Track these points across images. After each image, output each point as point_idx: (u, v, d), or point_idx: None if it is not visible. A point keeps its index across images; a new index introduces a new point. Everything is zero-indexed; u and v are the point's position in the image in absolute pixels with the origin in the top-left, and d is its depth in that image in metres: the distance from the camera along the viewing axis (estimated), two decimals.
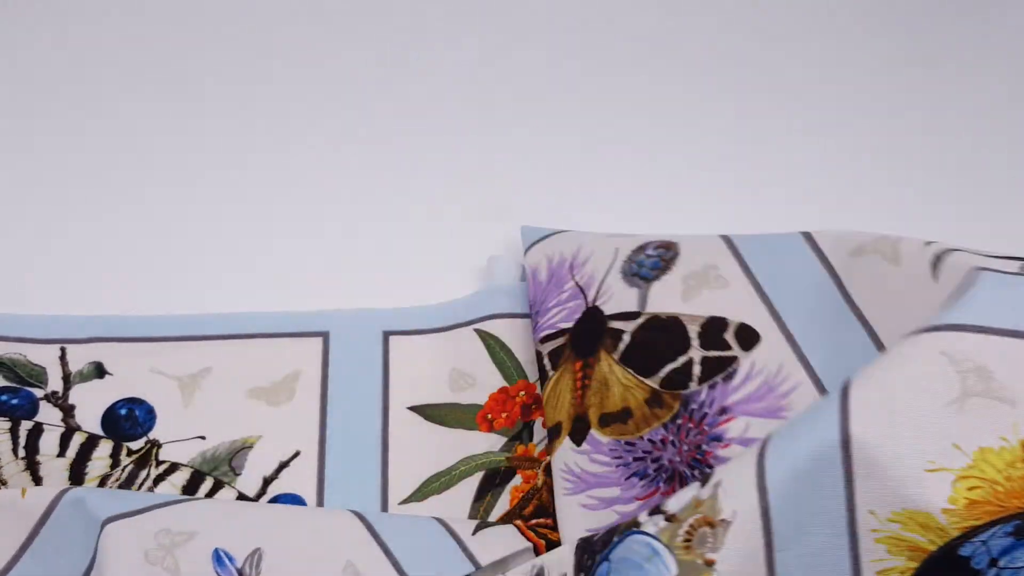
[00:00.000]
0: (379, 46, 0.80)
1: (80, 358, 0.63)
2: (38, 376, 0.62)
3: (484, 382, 0.63)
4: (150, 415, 0.62)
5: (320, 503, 0.59)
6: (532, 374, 0.63)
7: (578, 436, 0.57)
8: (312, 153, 0.75)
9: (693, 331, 0.58)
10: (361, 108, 0.77)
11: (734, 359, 0.56)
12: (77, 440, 0.60)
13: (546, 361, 0.61)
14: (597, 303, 0.60)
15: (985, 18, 0.84)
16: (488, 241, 0.69)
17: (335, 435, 0.61)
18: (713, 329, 0.57)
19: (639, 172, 0.75)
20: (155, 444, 0.61)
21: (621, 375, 0.57)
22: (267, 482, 0.60)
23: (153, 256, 0.69)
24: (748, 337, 0.57)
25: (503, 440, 0.61)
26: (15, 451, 0.59)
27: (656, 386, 0.57)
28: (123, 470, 0.60)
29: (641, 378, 0.57)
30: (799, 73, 0.80)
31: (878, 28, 0.83)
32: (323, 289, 0.67)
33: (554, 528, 0.56)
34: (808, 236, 0.60)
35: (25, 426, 0.60)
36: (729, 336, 0.57)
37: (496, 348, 0.64)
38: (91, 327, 0.64)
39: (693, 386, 0.56)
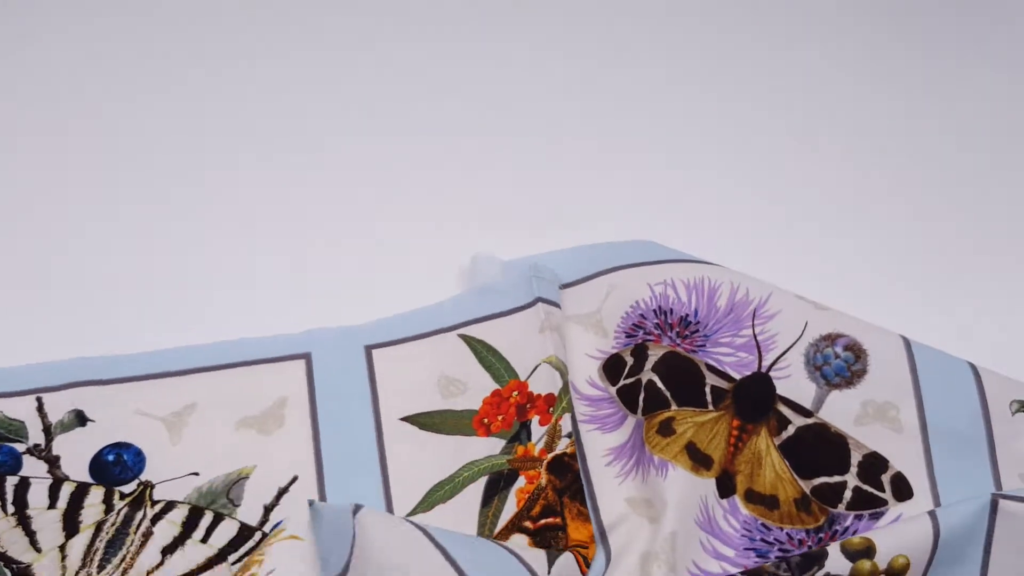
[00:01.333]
0: (368, 51, 0.79)
1: (59, 407, 0.61)
2: (17, 431, 0.60)
3: (475, 386, 0.63)
4: (139, 457, 0.60)
5: None
6: (522, 373, 0.62)
7: (723, 489, 0.61)
8: (279, 171, 0.74)
9: (855, 458, 0.62)
10: (338, 119, 0.76)
11: (885, 502, 0.61)
12: (67, 490, 0.59)
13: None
14: (771, 373, 0.64)
15: (985, 18, 0.85)
16: (465, 244, 0.68)
17: (331, 455, 0.61)
18: (874, 466, 0.62)
19: (620, 173, 0.75)
20: (148, 485, 0.59)
21: (777, 462, 0.61)
22: (268, 510, 0.59)
23: (122, 290, 0.67)
24: (903, 489, 0.61)
25: (502, 443, 0.61)
26: (3, 508, 0.58)
27: (807, 490, 0.61)
28: (118, 514, 0.59)
29: (796, 476, 0.61)
30: (799, 75, 0.81)
31: (877, 27, 0.85)
32: (302, 304, 0.67)
33: (562, 528, 0.56)
34: (980, 382, 0.64)
35: (11, 482, 0.59)
36: (886, 479, 0.61)
37: (483, 351, 0.64)
38: (65, 372, 0.62)
39: (841, 508, 0.60)
